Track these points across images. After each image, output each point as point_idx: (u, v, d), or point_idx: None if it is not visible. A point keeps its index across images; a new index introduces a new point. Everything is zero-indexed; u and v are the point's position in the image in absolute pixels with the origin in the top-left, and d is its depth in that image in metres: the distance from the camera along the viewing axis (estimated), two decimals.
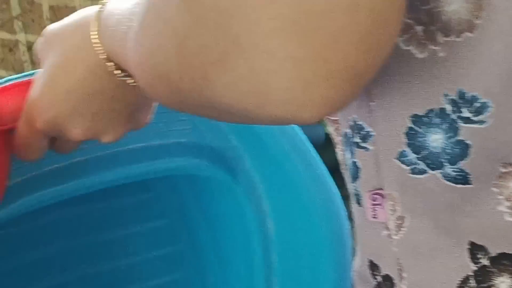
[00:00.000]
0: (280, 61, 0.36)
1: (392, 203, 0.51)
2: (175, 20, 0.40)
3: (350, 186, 0.55)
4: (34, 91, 0.63)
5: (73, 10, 1.93)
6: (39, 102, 0.63)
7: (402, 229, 0.51)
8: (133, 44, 0.47)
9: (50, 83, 0.62)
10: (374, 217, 0.52)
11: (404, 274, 0.52)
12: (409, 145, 0.48)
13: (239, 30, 0.37)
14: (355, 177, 0.53)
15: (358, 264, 0.57)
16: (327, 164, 0.80)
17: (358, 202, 0.54)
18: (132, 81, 0.57)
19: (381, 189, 0.51)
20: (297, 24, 0.36)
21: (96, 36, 0.58)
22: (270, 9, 0.36)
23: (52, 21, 2.06)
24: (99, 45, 0.58)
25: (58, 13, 1.97)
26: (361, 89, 0.40)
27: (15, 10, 2.06)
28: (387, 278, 0.53)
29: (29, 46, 2.09)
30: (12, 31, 2.09)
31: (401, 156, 0.49)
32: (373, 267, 0.54)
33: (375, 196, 0.51)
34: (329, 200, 0.86)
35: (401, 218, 0.51)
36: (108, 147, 0.78)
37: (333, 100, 0.38)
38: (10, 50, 2.12)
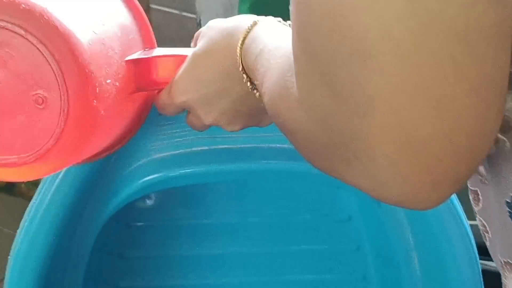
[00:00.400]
0: (394, 174, 0.44)
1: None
2: (299, 130, 0.50)
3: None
4: (180, 70, 0.75)
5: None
6: (179, 82, 0.74)
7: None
8: (263, 90, 0.59)
9: (191, 69, 0.73)
10: None
11: None
12: None
13: (357, 150, 0.44)
14: None
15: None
16: None
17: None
18: (259, 94, 0.66)
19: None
20: (407, 148, 0.43)
21: (239, 49, 0.68)
22: (386, 137, 0.42)
23: None
24: (239, 57, 0.68)
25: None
26: (463, 184, 0.47)
27: None
28: None
29: None
30: None
31: None
32: None
33: None
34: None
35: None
36: (256, 141, 0.92)
37: (440, 199, 0.46)
38: None
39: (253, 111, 0.73)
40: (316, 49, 0.43)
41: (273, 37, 0.64)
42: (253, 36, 0.68)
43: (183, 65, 0.75)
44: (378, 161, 0.43)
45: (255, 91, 0.69)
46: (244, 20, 0.71)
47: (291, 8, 0.46)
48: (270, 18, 0.71)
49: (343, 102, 0.43)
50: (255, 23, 0.69)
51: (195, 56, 0.74)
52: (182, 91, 0.74)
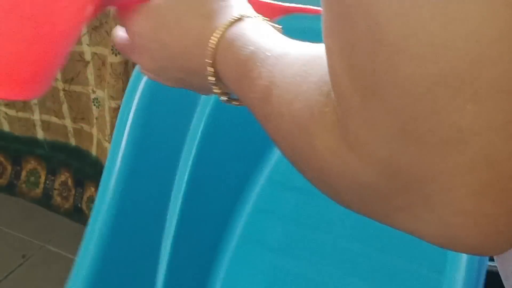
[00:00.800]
0: (475, 218, 0.39)
1: None
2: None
3: None
4: (142, 16, 0.65)
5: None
6: (140, 35, 0.65)
7: None
8: (268, 111, 0.51)
9: (155, 26, 0.64)
10: None
11: None
12: None
13: (431, 192, 0.39)
14: None
15: None
16: None
17: None
18: (219, 91, 0.60)
19: None
20: (492, 187, 0.38)
21: (215, 42, 0.58)
22: (473, 175, 0.38)
23: None
24: (212, 49, 0.59)
25: None
26: None
27: None
28: None
29: None
30: None
31: None
32: None
33: None
34: None
35: None
36: None
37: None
38: None
39: (197, 87, 0.65)
40: (384, 83, 0.37)
41: (268, 39, 0.55)
42: (238, 32, 0.58)
43: (146, 10, 0.65)
44: (454, 205, 0.38)
45: (215, 88, 0.60)
46: (225, 6, 0.61)
47: (327, 19, 0.40)
48: (255, 14, 0.61)
49: (419, 140, 0.37)
50: (241, 18, 0.59)
51: (162, 11, 0.64)
52: (142, 49, 0.66)
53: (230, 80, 0.57)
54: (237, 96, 0.58)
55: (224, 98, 0.61)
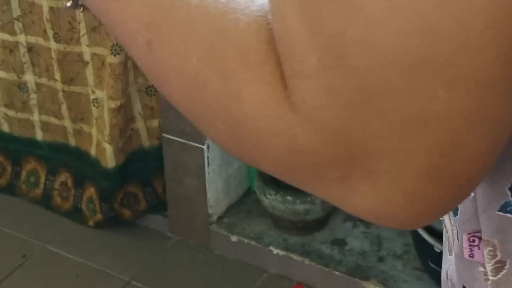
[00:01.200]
0: (416, 198, 0.39)
1: (491, 248, 0.50)
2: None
3: (448, 220, 0.55)
4: None
5: (73, 11, 1.93)
6: None
7: (501, 272, 0.50)
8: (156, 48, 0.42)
9: None
10: (470, 256, 0.51)
11: None
12: None
13: (379, 169, 0.37)
14: (455, 212, 0.52)
15: (454, 276, 0.55)
16: None
17: (457, 236, 0.53)
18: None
19: (479, 231, 0.50)
20: (443, 172, 0.38)
21: None
22: (423, 159, 0.37)
23: (52, 23, 2.07)
24: None
25: (58, 14, 1.96)
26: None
27: (15, 11, 2.05)
28: None
29: (29, 48, 2.09)
30: (12, 33, 2.09)
31: (504, 207, 0.48)
32: None
33: (474, 238, 0.51)
34: None
35: (501, 261, 0.50)
36: None
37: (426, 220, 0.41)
38: (11, 51, 2.12)
39: None
40: (354, 50, 0.35)
41: None
42: None
43: None
44: (402, 184, 0.38)
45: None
46: None
47: None
48: None
49: (381, 115, 0.36)
50: None
51: None
52: None
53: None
54: (90, 3, 0.47)
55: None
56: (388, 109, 0.36)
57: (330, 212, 2.02)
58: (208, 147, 1.97)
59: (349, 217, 2.04)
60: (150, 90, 2.02)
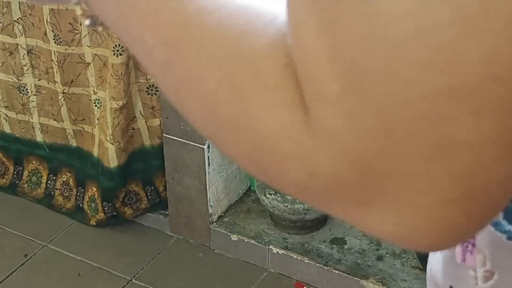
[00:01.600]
0: (440, 223, 0.37)
1: (482, 256, 0.51)
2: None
3: None
4: None
5: (74, 13, 1.94)
6: None
7: (489, 281, 0.51)
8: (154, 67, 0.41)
9: None
10: (462, 261, 0.52)
11: None
12: (504, 217, 0.49)
13: (401, 194, 0.36)
14: None
15: (439, 274, 0.56)
16: None
17: None
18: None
19: (473, 238, 0.51)
20: (468, 198, 0.37)
21: None
22: (447, 185, 0.36)
23: (53, 25, 2.07)
24: None
25: (58, 16, 1.97)
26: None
27: (16, 13, 2.06)
28: None
29: (29, 50, 2.10)
30: (12, 35, 2.09)
31: (497, 225, 0.50)
32: None
33: (468, 243, 0.52)
34: None
35: (490, 271, 0.51)
36: None
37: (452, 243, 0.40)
38: (11, 53, 2.13)
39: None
40: (374, 80, 0.34)
41: None
42: None
43: None
44: (426, 209, 0.37)
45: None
46: None
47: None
48: None
49: (403, 143, 0.35)
50: None
51: None
52: None
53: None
54: (108, 20, 0.46)
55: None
56: (412, 136, 0.35)
57: None
58: (208, 147, 1.98)
59: None
60: (151, 90, 2.03)
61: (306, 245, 1.99)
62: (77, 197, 2.23)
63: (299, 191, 0.39)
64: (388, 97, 0.34)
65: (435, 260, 0.57)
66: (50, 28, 2.00)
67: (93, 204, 2.17)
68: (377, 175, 0.36)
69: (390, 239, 0.39)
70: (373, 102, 0.34)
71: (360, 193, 0.37)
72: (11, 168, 2.33)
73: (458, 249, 0.52)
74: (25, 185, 2.32)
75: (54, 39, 2.01)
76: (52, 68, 2.08)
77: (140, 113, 2.06)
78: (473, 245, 0.51)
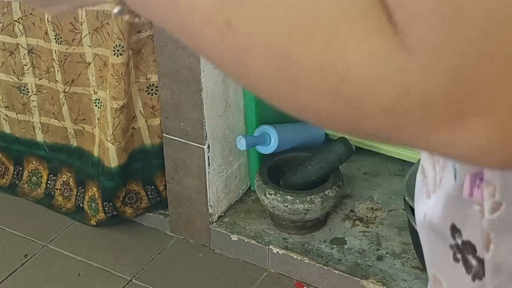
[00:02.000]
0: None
1: (491, 188, 0.51)
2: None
3: (431, 166, 0.56)
4: None
5: (74, 13, 1.94)
6: None
7: (497, 212, 0.52)
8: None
9: None
10: (469, 196, 0.52)
11: (492, 247, 0.52)
12: None
13: (497, 99, 0.38)
14: None
15: (437, 216, 0.57)
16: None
17: (454, 176, 0.54)
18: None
19: (481, 172, 0.51)
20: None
21: None
22: None
23: (54, 25, 2.08)
24: None
25: (59, 16, 1.97)
26: None
27: (16, 13, 2.06)
28: (469, 244, 0.54)
29: (30, 50, 2.10)
30: (13, 35, 2.10)
31: None
32: (454, 229, 0.55)
33: (476, 178, 0.52)
34: None
35: (498, 203, 0.51)
36: None
37: None
38: (11, 53, 2.13)
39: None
40: None
41: None
42: None
43: None
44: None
45: (115, 8, 0.49)
46: None
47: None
48: None
49: (503, 46, 0.37)
50: None
51: None
52: None
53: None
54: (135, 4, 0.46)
55: (115, 9, 0.50)
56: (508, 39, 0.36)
57: (330, 212, 2.04)
58: (208, 147, 1.98)
59: (348, 217, 2.05)
60: (151, 89, 2.03)
61: (306, 245, 1.99)
62: (77, 197, 2.23)
63: (385, 120, 0.39)
64: (483, 19, 0.35)
65: (431, 203, 0.58)
66: (51, 28, 2.00)
67: (93, 204, 2.17)
68: (475, 82, 0.37)
69: (476, 156, 0.40)
70: (470, 15, 0.35)
71: (456, 104, 0.38)
72: (11, 168, 2.33)
73: (466, 184, 0.52)
74: (25, 185, 2.32)
75: (55, 39, 2.01)
76: (53, 67, 2.08)
77: (140, 112, 2.06)
78: (481, 179, 0.51)
